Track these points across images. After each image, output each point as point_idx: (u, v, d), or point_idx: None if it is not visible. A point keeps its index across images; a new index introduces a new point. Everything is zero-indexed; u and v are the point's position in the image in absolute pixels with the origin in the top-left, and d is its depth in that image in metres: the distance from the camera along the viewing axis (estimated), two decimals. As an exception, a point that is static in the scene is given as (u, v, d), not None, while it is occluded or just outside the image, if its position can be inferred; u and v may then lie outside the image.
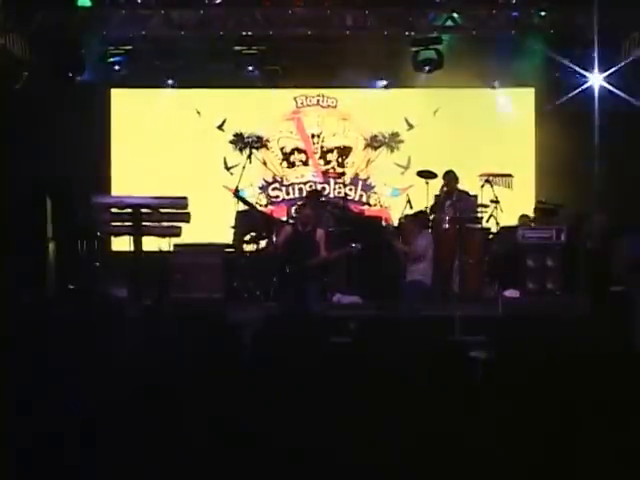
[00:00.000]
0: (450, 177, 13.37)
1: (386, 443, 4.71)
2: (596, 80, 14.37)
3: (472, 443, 4.77)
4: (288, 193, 15.86)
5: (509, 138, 15.41)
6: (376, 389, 5.36)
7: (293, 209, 15.59)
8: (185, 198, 12.47)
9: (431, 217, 13.17)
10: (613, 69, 14.20)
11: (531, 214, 14.16)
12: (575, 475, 4.70)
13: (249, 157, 14.39)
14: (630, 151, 14.50)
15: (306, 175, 15.91)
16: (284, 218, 14.87)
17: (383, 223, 13.77)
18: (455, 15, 13.77)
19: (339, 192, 15.66)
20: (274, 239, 12.42)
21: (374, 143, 15.85)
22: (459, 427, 4.89)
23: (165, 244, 13.04)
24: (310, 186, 15.68)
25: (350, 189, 15.80)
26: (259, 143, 15.64)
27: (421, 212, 13.16)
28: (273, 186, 15.87)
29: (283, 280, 11.31)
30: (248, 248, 13.64)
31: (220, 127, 15.71)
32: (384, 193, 15.82)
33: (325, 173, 15.76)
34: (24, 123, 14.25)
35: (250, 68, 14.57)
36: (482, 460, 4.68)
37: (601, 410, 5.10)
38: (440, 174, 13.47)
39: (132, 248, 12.38)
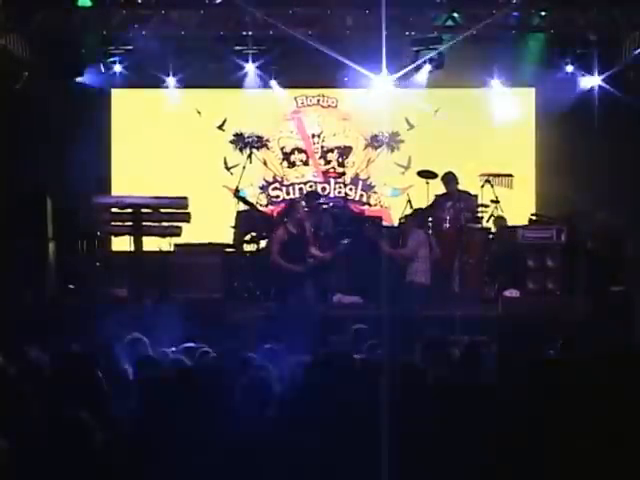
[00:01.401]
0: (450, 178, 13.37)
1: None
2: (596, 80, 14.40)
3: (472, 443, 4.78)
4: (288, 193, 15.85)
5: (509, 138, 15.39)
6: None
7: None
8: (185, 198, 12.51)
9: (430, 217, 13.17)
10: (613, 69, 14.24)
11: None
12: (575, 475, 4.70)
13: (249, 157, 14.40)
14: (630, 151, 14.49)
15: (306, 175, 15.90)
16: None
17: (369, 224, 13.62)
18: (455, 15, 13.76)
19: (339, 192, 15.65)
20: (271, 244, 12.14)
21: (374, 143, 15.84)
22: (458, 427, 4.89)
23: (165, 244, 13.05)
24: (310, 186, 15.68)
25: (350, 189, 15.79)
26: (259, 143, 15.63)
27: (417, 210, 13.13)
28: (273, 186, 15.86)
29: (282, 282, 11.22)
30: (248, 248, 13.65)
31: (220, 127, 15.70)
32: (384, 193, 15.81)
33: (325, 173, 15.76)
34: (24, 123, 14.24)
35: (250, 68, 14.55)
36: (479, 462, 4.69)
37: (601, 410, 5.10)
38: (440, 174, 13.48)
39: (132, 248, 12.41)
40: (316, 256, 11.08)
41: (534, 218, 13.93)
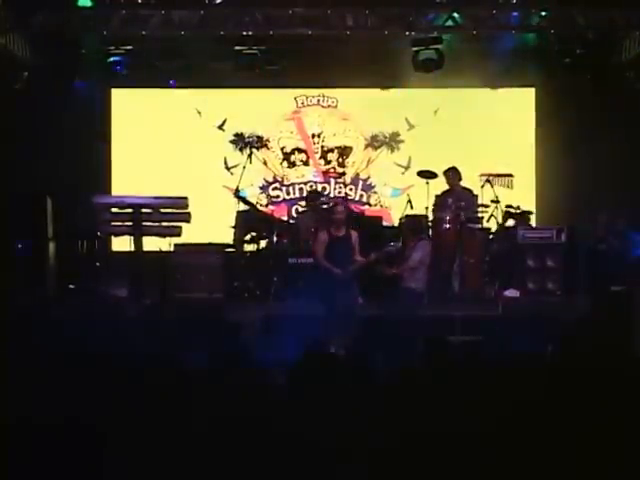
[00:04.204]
0: (452, 174, 13.35)
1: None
2: (596, 80, 14.41)
3: (471, 444, 4.77)
4: (288, 193, 15.86)
5: (509, 138, 15.41)
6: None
7: (294, 209, 15.61)
8: (185, 198, 12.52)
9: (431, 217, 13.16)
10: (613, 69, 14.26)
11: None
12: (574, 476, 4.70)
13: (249, 157, 14.40)
14: (630, 151, 14.49)
15: (306, 175, 15.91)
16: (285, 218, 14.88)
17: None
18: (455, 15, 13.76)
19: (339, 192, 15.66)
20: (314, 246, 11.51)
21: (374, 143, 15.85)
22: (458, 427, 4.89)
23: (165, 244, 13.06)
24: (310, 186, 15.69)
25: (350, 189, 15.80)
26: (259, 143, 15.64)
27: (418, 216, 13.05)
28: (273, 186, 15.87)
29: (324, 286, 11.01)
30: (248, 248, 13.65)
31: (220, 127, 15.71)
32: (384, 193, 15.82)
33: (325, 173, 15.76)
34: (24, 123, 14.25)
35: (250, 68, 14.57)
36: (478, 462, 4.68)
37: (601, 410, 5.10)
38: (440, 174, 13.48)
39: (132, 248, 12.42)
40: (359, 262, 10.93)
41: (510, 211, 13.66)
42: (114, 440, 4.61)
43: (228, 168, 15.62)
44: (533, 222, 14.25)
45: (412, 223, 12.52)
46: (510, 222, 13.51)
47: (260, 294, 12.86)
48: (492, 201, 13.65)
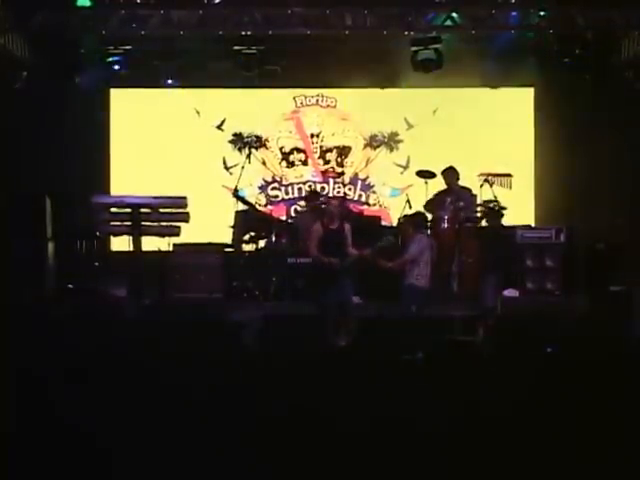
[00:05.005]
0: (450, 173, 13.35)
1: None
2: (595, 80, 14.42)
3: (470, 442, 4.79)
4: (287, 193, 15.86)
5: (508, 138, 15.41)
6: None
7: (292, 209, 15.62)
8: (184, 198, 12.53)
9: (430, 216, 13.15)
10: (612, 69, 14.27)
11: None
12: (573, 472, 4.71)
13: (248, 157, 14.40)
14: (629, 150, 14.50)
15: (305, 175, 15.91)
16: (283, 218, 14.89)
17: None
18: (454, 15, 13.77)
19: (338, 192, 15.66)
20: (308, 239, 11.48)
21: (373, 143, 15.85)
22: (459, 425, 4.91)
23: (164, 244, 13.07)
24: (309, 186, 15.69)
25: (349, 189, 15.81)
26: (258, 143, 15.63)
27: (418, 213, 13.07)
28: (272, 186, 15.88)
29: (319, 278, 11.02)
30: (247, 248, 13.66)
31: (219, 127, 15.71)
32: (383, 193, 15.82)
33: (324, 173, 15.78)
34: (24, 123, 14.25)
35: (249, 68, 14.57)
36: (478, 458, 4.70)
37: (600, 407, 5.11)
38: (439, 174, 13.48)
39: (131, 248, 12.43)
40: (353, 254, 10.93)
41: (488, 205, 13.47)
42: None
43: (227, 168, 15.62)
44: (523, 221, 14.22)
45: (411, 219, 12.51)
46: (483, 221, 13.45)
47: (259, 294, 12.86)
48: (491, 201, 13.63)
